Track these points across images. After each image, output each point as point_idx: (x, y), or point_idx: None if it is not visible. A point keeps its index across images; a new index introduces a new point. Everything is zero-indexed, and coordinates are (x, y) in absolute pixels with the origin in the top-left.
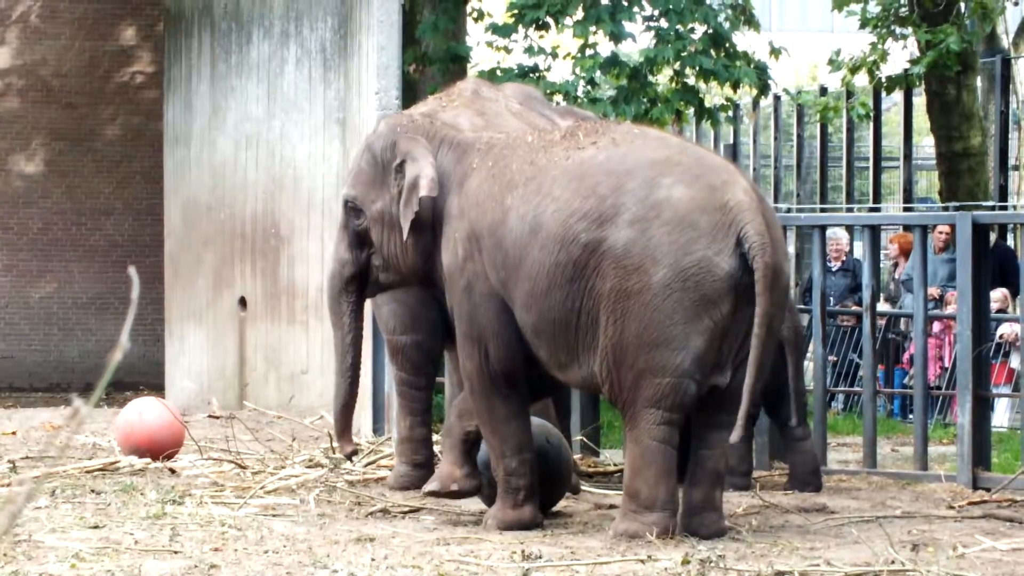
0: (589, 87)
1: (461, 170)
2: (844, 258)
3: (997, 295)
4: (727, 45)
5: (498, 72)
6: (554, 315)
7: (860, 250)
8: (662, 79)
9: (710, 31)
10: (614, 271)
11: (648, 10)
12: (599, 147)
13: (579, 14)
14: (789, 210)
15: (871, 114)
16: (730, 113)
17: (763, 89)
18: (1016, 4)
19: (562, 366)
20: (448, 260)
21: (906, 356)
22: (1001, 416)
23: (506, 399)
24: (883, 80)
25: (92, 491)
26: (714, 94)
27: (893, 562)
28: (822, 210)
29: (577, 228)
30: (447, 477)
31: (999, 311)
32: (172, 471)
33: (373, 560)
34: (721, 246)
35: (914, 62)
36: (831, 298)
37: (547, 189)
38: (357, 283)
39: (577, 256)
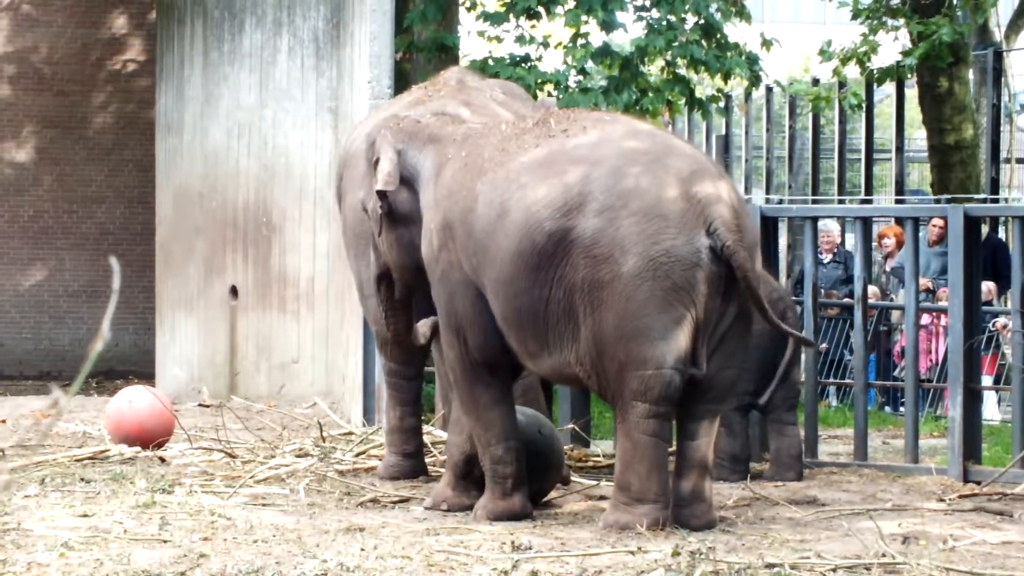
0: (580, 77)
1: (439, 162)
2: (835, 250)
3: (985, 288)
4: (718, 36)
5: (490, 62)
6: (520, 303)
7: (851, 242)
8: (653, 69)
9: (701, 21)
10: (584, 261)
11: (640, 0)
12: (569, 135)
13: (570, 3)
14: (781, 201)
15: (863, 105)
16: (721, 104)
17: (754, 80)
18: None
19: (532, 355)
20: (426, 251)
21: (896, 348)
22: (992, 410)
23: (488, 386)
24: (874, 72)
25: (82, 479)
26: (706, 85)
27: (884, 555)
28: (814, 202)
29: (541, 216)
30: (439, 496)
31: (985, 303)
32: (162, 460)
33: (363, 550)
34: (689, 236)
35: (906, 54)
36: (822, 290)
37: (515, 176)
38: (387, 281)
39: (542, 244)
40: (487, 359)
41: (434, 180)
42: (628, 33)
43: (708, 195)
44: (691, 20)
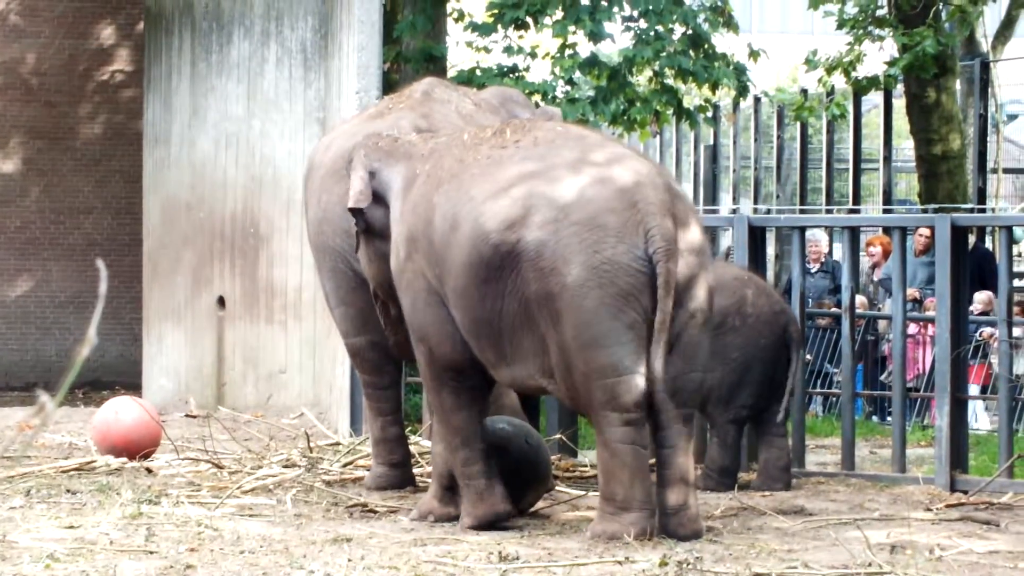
0: (568, 87)
1: (409, 177)
2: (823, 260)
3: (982, 297)
4: (706, 46)
5: (477, 72)
6: (476, 314)
7: (839, 252)
8: (641, 80)
9: (689, 32)
10: (533, 274)
11: (627, 10)
12: (520, 146)
13: (558, 14)
14: (768, 211)
15: (846, 114)
16: (709, 114)
17: (742, 91)
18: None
19: (491, 364)
20: (393, 262)
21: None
22: (983, 419)
23: (455, 391)
24: (861, 80)
25: (68, 491)
26: (694, 95)
27: (871, 564)
28: (801, 211)
29: (488, 228)
30: (426, 509)
31: (981, 313)
32: (148, 471)
33: (350, 561)
34: (629, 245)
35: (891, 64)
36: (809, 300)
37: (466, 187)
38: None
39: (489, 256)
40: (451, 365)
41: (403, 195)
42: (616, 44)
43: (649, 204)
44: (679, 31)
